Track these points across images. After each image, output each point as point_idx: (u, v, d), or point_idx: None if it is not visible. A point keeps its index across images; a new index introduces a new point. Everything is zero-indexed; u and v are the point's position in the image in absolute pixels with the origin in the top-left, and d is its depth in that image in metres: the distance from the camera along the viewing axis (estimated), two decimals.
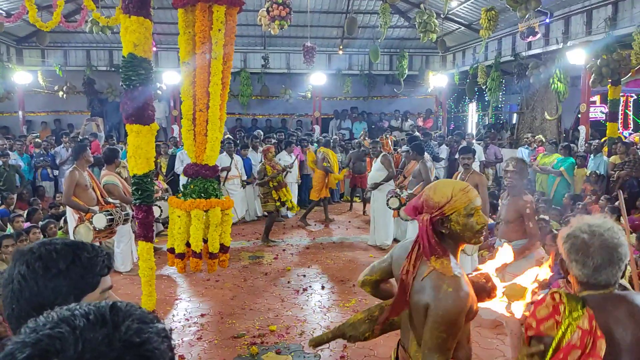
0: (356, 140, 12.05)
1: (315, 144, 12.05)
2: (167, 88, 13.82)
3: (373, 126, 15.55)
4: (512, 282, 1.95)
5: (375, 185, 7.80)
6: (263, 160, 8.51)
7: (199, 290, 6.18)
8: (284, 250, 7.97)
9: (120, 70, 3.86)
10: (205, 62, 4.38)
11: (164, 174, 9.81)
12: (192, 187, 4.49)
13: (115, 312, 0.77)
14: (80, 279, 1.15)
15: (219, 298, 5.86)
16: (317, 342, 2.20)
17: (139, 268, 3.87)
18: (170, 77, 13.30)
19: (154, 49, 13.34)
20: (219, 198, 4.58)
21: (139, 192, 3.68)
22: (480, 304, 1.91)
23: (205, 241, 4.54)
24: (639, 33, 7.51)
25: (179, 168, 9.30)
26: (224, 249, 4.64)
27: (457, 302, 1.72)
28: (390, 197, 7.13)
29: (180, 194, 4.67)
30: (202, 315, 5.31)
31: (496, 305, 1.94)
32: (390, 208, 7.21)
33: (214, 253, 4.53)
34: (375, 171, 7.98)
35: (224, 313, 5.38)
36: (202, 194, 4.43)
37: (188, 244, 4.45)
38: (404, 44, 14.48)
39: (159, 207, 6.49)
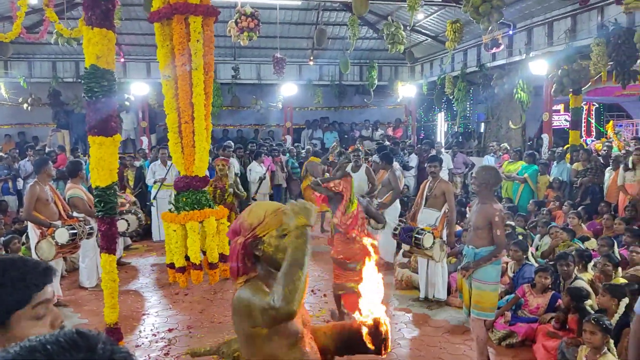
0: (337, 149, 11.21)
1: (287, 154, 12.05)
2: (136, 99, 13.63)
3: (345, 136, 15.66)
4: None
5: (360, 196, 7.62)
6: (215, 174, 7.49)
7: (167, 304, 6.08)
8: None
9: (83, 82, 3.81)
10: (186, 73, 4.39)
11: (132, 186, 9.64)
12: (184, 199, 4.49)
13: (85, 336, 0.77)
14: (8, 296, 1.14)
15: (187, 312, 5.77)
16: (193, 353, 2.17)
17: (102, 280, 3.81)
18: (138, 88, 13.13)
19: (122, 60, 13.17)
20: (212, 208, 4.60)
21: (102, 204, 3.63)
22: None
23: (204, 253, 4.55)
24: (597, 44, 7.80)
25: (149, 179, 9.15)
26: (224, 258, 4.64)
27: (245, 295, 1.75)
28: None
29: (173, 208, 4.65)
30: (169, 330, 5.22)
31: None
32: None
33: (214, 263, 4.54)
34: (357, 183, 7.79)
35: (192, 327, 5.30)
36: (196, 206, 4.44)
37: (187, 258, 4.45)
38: (373, 54, 14.69)
39: (126, 220, 6.38)
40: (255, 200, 10.23)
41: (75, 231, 5.72)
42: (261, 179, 10.06)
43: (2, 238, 6.69)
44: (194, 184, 4.42)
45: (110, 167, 3.59)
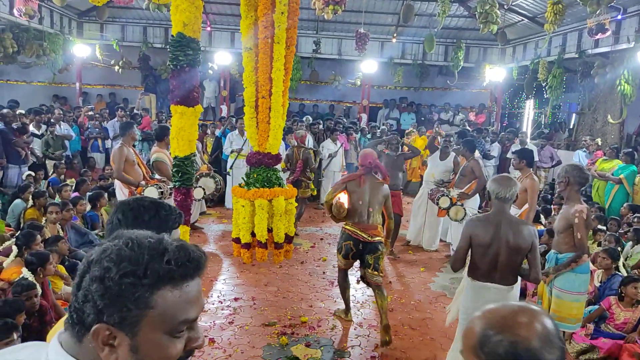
0: (388, 136, 8.43)
1: (359, 133, 11.84)
2: (219, 68, 13.91)
3: (422, 118, 15.16)
4: None
5: (441, 184, 7.27)
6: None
7: (234, 272, 6.20)
8: (321, 239, 7.88)
9: (169, 49, 3.82)
10: (267, 46, 4.26)
11: (209, 153, 9.88)
12: (254, 175, 4.45)
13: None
14: (157, 228, 1.40)
15: (253, 283, 5.85)
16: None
17: None
18: (222, 58, 13.37)
19: (208, 28, 13.43)
20: (282, 187, 4.55)
21: (179, 174, 3.66)
22: None
23: (269, 230, 4.52)
24: None
25: (227, 149, 9.30)
26: (288, 238, 4.62)
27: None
28: (441, 196, 6.80)
29: (243, 183, 4.66)
30: (235, 299, 5.31)
31: None
32: (440, 207, 6.89)
33: (279, 243, 4.52)
34: (443, 172, 7.44)
35: (257, 299, 5.37)
36: (266, 183, 4.39)
37: (253, 234, 4.46)
38: (461, 34, 13.94)
39: (202, 187, 6.52)
40: (324, 177, 10.14)
41: (162, 190, 5.90)
42: (331, 157, 9.95)
43: (89, 193, 7.10)
44: (266, 161, 4.35)
45: (189, 138, 3.60)
